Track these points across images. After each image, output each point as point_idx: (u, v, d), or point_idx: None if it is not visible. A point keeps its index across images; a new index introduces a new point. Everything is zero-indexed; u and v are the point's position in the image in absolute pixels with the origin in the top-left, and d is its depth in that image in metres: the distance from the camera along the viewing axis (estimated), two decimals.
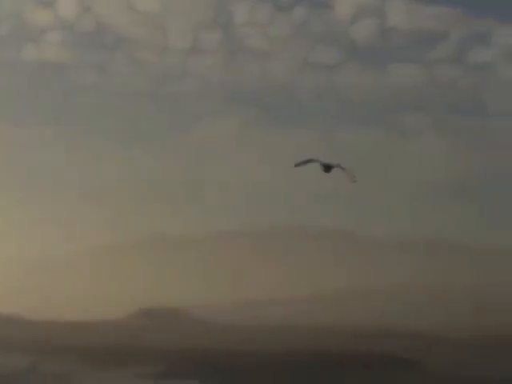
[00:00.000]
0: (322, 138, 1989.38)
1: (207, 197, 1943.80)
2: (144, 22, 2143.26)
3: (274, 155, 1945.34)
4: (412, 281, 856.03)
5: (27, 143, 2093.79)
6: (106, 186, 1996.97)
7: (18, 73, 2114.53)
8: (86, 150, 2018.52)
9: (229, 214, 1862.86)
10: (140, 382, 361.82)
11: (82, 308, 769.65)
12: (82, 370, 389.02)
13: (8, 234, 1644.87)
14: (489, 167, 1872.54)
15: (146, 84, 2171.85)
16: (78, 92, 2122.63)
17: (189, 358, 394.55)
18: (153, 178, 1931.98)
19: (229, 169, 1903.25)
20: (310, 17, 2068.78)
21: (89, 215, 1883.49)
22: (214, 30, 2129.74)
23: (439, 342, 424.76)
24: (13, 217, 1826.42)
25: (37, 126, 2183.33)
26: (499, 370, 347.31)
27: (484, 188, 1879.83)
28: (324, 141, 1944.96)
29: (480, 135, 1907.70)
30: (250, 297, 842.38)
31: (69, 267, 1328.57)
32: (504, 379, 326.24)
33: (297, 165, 71.69)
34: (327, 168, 71.61)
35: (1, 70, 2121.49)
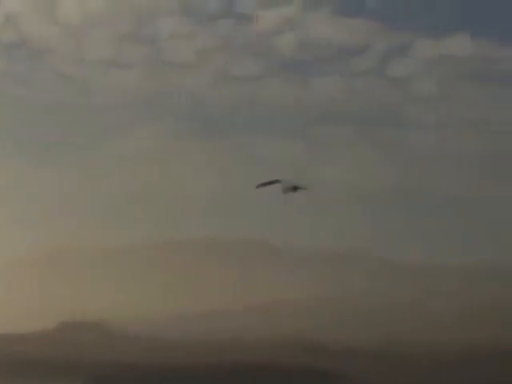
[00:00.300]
0: (246, 150, 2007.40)
1: (131, 208, 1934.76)
2: (66, 33, 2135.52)
3: (199, 167, 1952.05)
4: (342, 294, 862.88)
5: None
6: (35, 198, 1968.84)
7: None
8: (6, 162, 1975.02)
9: (155, 226, 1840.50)
10: None
11: (7, 320, 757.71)
12: None
13: None
14: (409, 179, 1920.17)
15: (68, 96, 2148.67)
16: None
17: (117, 373, 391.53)
18: (79, 191, 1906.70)
19: (154, 180, 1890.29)
20: (233, 30, 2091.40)
21: (20, 226, 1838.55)
22: (137, 42, 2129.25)
23: (367, 357, 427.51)
24: None
25: None
26: None
27: (407, 200, 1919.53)
28: (248, 153, 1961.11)
29: (400, 147, 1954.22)
30: (181, 310, 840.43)
31: None
32: None
33: (259, 185, 70.17)
34: (294, 189, 71.22)
35: None
